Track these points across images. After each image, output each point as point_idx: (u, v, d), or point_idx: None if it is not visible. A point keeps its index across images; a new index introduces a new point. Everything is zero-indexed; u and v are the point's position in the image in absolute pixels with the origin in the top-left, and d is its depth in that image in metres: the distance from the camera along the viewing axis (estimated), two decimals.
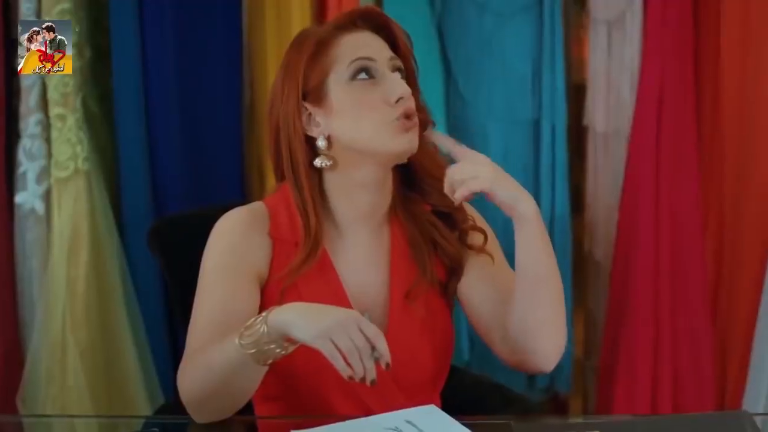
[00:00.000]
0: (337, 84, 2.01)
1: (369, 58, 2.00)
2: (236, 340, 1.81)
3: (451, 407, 1.95)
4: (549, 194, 3.30)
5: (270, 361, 1.83)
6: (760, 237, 3.22)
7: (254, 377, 1.88)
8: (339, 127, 2.02)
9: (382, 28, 2.06)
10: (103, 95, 3.25)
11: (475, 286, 2.12)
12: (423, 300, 2.09)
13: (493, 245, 2.16)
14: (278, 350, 1.81)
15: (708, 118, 3.26)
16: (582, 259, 3.43)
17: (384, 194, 2.10)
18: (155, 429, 1.90)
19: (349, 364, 1.74)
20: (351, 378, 1.74)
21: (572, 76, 3.39)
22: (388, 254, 2.11)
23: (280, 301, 2.01)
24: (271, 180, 3.29)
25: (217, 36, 3.26)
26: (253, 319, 1.83)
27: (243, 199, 3.31)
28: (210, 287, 2.02)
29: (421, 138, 2.06)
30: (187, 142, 3.24)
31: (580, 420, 1.87)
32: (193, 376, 1.92)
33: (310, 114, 2.03)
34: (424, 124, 2.08)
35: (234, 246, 2.04)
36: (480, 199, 1.99)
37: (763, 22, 3.18)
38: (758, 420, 1.88)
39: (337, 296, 2.06)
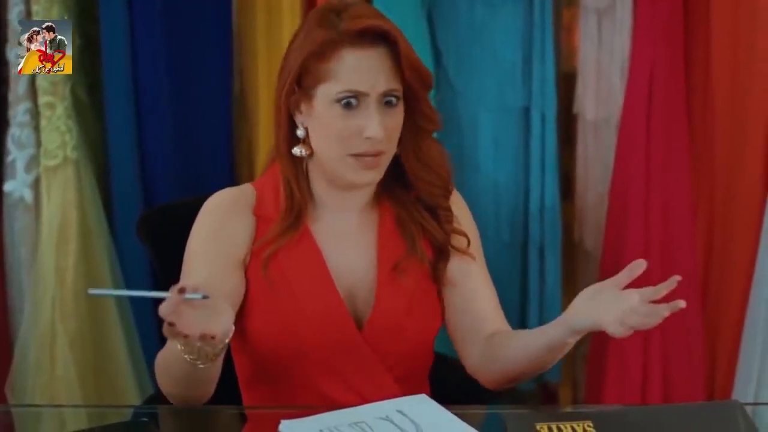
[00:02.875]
0: (324, 97, 2.00)
1: (360, 93, 1.98)
2: (177, 345, 1.81)
3: (442, 397, 1.95)
4: (539, 183, 3.29)
5: (211, 360, 1.83)
6: (750, 226, 3.21)
7: (206, 375, 1.89)
8: (313, 130, 2.04)
9: (392, 45, 2.01)
10: (93, 84, 3.24)
11: (451, 299, 2.16)
12: (412, 276, 2.11)
13: (476, 250, 2.19)
14: (209, 348, 1.79)
15: (699, 105, 3.25)
16: (572, 247, 3.42)
17: (365, 189, 2.12)
18: (145, 419, 1.89)
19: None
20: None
21: (562, 64, 3.38)
22: (375, 234, 2.14)
23: (265, 274, 2.05)
24: (260, 170, 3.28)
25: (206, 25, 3.24)
26: None
27: None
28: (194, 270, 2.04)
29: (424, 142, 2.09)
30: (177, 131, 3.23)
31: (570, 409, 1.87)
32: (159, 371, 1.98)
33: (298, 99, 2.04)
34: (432, 129, 2.10)
35: (218, 226, 2.07)
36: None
37: (754, 8, 3.17)
38: (748, 409, 1.89)
39: (319, 273, 2.08)
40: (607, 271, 3.28)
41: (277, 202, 2.10)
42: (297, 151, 2.06)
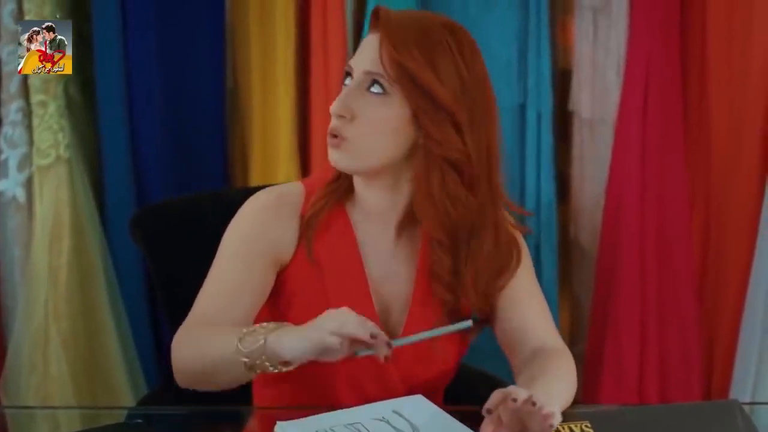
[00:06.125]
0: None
1: (349, 67, 1.96)
2: (235, 342, 1.79)
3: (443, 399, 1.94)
4: (534, 180, 3.29)
5: (259, 372, 1.81)
6: (746, 223, 3.21)
7: (241, 378, 1.85)
8: None
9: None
10: (85, 82, 3.23)
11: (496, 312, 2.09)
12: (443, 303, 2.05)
13: (526, 271, 2.10)
14: (271, 368, 1.78)
15: (695, 103, 3.25)
16: (568, 245, 3.42)
17: (395, 196, 2.03)
18: (140, 420, 1.88)
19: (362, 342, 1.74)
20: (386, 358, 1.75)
21: (558, 61, 3.37)
22: (417, 255, 2.06)
23: (309, 257, 2.00)
24: (254, 167, 3.28)
25: (199, 21, 3.23)
26: (258, 327, 1.81)
27: (227, 186, 3.29)
28: (226, 259, 2.00)
29: (433, 172, 1.95)
30: (170, 129, 3.23)
31: (567, 410, 1.86)
32: (186, 352, 1.91)
33: None
34: (443, 156, 1.97)
35: (254, 230, 2.01)
36: None
37: (748, 6, 3.17)
38: (746, 409, 1.88)
39: (357, 280, 2.03)
40: (603, 269, 3.27)
41: None
42: None
